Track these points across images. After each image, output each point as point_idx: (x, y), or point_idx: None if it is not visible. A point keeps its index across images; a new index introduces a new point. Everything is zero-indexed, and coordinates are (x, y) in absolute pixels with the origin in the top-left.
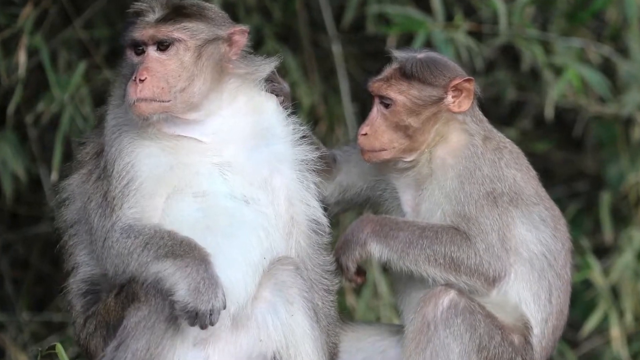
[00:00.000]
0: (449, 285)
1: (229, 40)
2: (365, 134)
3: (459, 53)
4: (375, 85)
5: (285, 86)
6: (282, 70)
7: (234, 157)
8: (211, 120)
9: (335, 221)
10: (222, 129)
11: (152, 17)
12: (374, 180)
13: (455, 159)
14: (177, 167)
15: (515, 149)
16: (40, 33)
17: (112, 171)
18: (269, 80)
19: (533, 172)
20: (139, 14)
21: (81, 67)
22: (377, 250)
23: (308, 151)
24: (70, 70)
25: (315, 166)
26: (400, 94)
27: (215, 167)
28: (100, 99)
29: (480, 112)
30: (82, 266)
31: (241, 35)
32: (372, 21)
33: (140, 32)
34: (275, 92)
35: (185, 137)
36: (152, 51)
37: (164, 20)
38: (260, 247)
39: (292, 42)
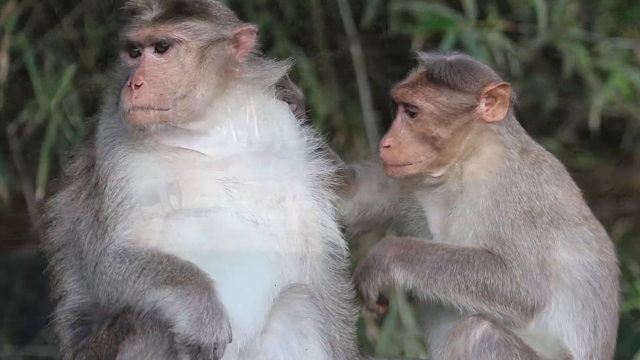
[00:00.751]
0: (481, 315)
1: (235, 41)
2: (388, 146)
3: (492, 55)
4: (400, 91)
5: (299, 92)
6: (295, 75)
7: (241, 173)
8: (215, 130)
9: (354, 244)
10: (227, 141)
11: (149, 15)
12: (398, 198)
13: (488, 175)
14: (177, 183)
15: (556, 163)
16: (24, 33)
17: (105, 188)
18: (280, 86)
19: (576, 189)
20: (134, 11)
21: (70, 70)
22: (401, 276)
23: (324, 165)
24: (58, 75)
25: (332, 182)
26: (427, 101)
27: (220, 183)
28: (91, 107)
29: (516, 122)
30: (71, 294)
31: (249, 35)
32: (395, 20)
33: (136, 32)
34: (287, 99)
35: (187, 149)
36: (149, 53)
37: (162, 18)
38: (271, 273)
39: (306, 44)
